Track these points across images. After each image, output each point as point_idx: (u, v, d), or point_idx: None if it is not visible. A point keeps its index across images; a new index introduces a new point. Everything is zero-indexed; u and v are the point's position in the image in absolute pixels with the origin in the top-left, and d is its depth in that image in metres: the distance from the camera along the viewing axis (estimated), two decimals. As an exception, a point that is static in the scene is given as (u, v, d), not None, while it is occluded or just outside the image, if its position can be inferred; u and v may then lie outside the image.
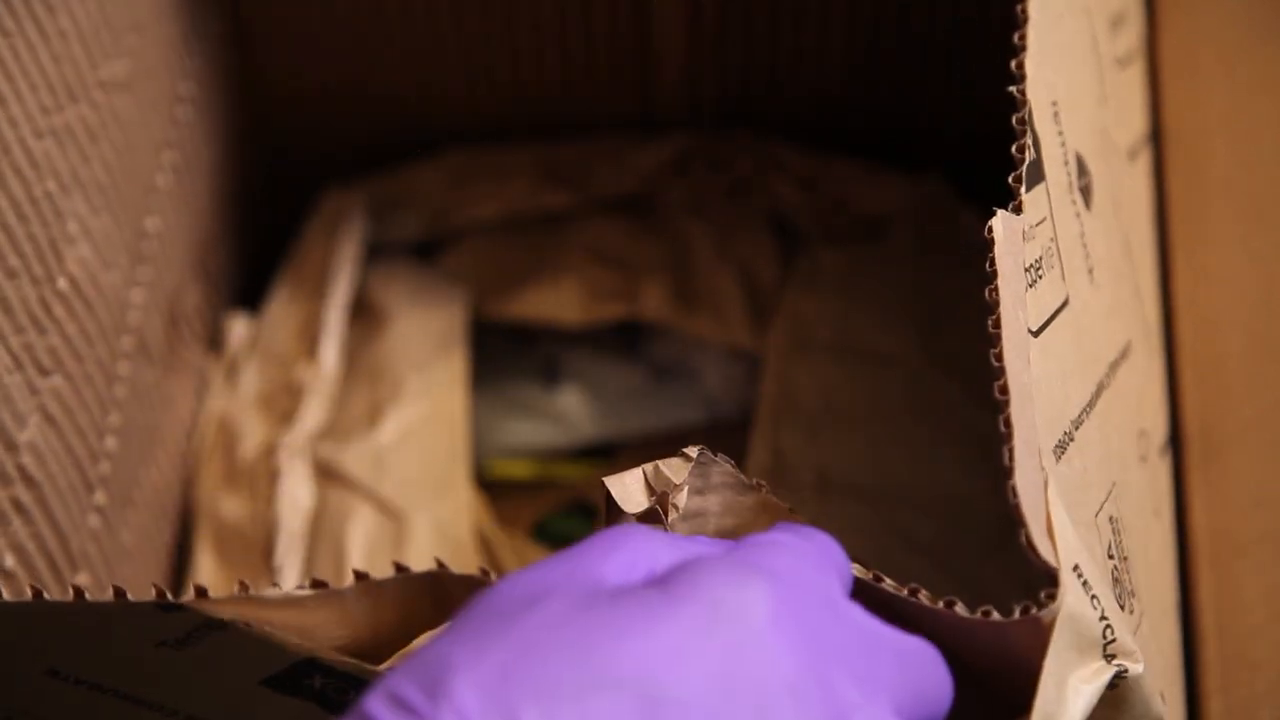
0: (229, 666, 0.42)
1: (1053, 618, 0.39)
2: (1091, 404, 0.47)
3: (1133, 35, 0.62)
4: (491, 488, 0.70)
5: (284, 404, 0.69)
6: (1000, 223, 0.43)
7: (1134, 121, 0.60)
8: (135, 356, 0.62)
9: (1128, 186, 0.56)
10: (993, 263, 0.43)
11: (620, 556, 0.39)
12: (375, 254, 0.74)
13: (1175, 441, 0.57)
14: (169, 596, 0.40)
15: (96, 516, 0.58)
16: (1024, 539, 0.40)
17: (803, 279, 0.69)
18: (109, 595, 0.40)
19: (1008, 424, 0.41)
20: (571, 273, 0.72)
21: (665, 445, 0.72)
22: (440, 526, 0.64)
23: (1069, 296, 0.46)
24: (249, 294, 0.75)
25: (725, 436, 0.69)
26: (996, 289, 0.42)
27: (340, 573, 0.64)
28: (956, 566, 0.60)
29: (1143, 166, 0.60)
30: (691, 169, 0.73)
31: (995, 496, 0.62)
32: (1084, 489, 0.43)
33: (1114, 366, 0.50)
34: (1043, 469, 0.41)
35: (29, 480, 0.53)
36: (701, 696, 0.35)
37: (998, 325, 0.42)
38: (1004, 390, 0.41)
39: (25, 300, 0.54)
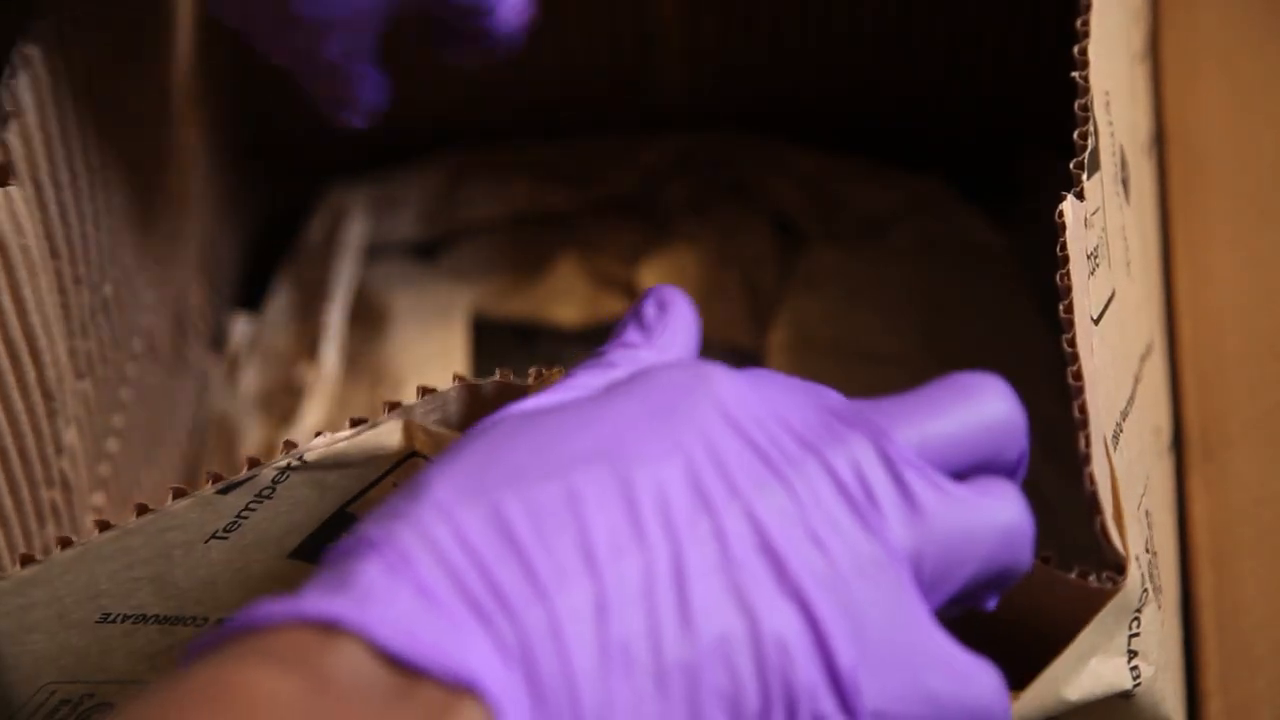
0: (267, 544, 0.43)
1: (1110, 595, 0.39)
2: (1132, 397, 0.47)
3: (1144, 31, 0.62)
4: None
5: (284, 404, 0.69)
6: (1070, 208, 0.43)
7: (1146, 119, 0.60)
8: (143, 358, 0.62)
9: (1143, 183, 0.57)
10: (1064, 247, 0.43)
11: (571, 382, 0.40)
12: (376, 254, 0.74)
13: (1177, 440, 0.57)
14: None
15: (94, 518, 0.58)
16: (1098, 527, 0.40)
17: (803, 279, 0.69)
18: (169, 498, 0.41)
19: (1082, 410, 0.41)
20: (572, 273, 0.72)
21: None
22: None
23: (1115, 288, 0.46)
24: (250, 294, 0.75)
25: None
26: (1068, 274, 0.42)
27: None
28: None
29: (1151, 165, 0.60)
30: (691, 169, 0.73)
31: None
32: (1130, 481, 0.43)
33: (1143, 361, 0.50)
34: (1109, 457, 0.41)
35: (65, 484, 0.54)
36: (668, 454, 0.36)
37: (1069, 311, 0.42)
38: (1078, 376, 0.41)
39: (81, 306, 0.54)
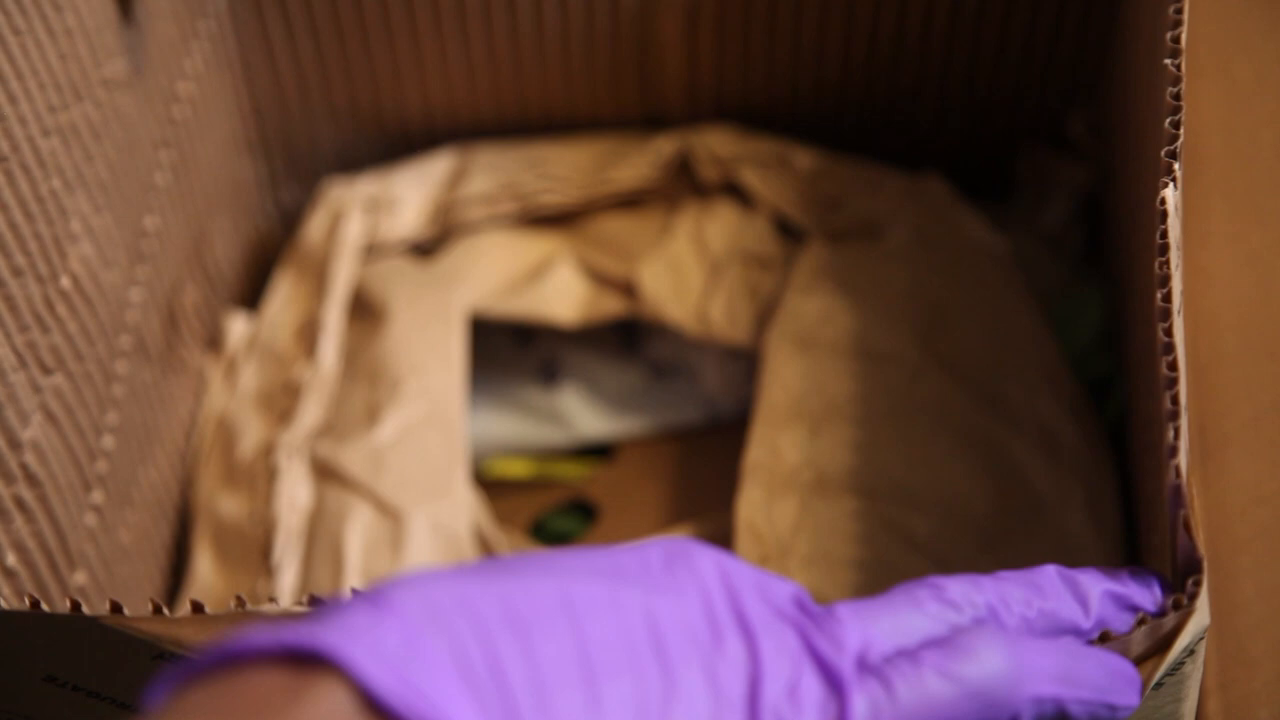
0: None
1: (1195, 600, 0.39)
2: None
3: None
4: (490, 487, 0.70)
5: (282, 403, 0.69)
6: (1171, 195, 0.43)
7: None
8: (133, 355, 0.62)
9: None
10: (1164, 235, 0.42)
11: None
12: (374, 252, 0.74)
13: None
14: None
15: (94, 515, 0.58)
16: (1181, 522, 0.40)
17: (802, 277, 0.69)
18: (106, 607, 0.41)
19: (1175, 402, 0.41)
20: (571, 272, 0.72)
21: (664, 443, 0.72)
22: (438, 526, 0.64)
23: (1184, 283, 0.46)
24: (248, 292, 0.75)
25: (724, 435, 0.69)
26: (1168, 262, 0.42)
27: (338, 572, 0.64)
28: (953, 565, 0.60)
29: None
30: (691, 167, 0.73)
31: (991, 495, 0.62)
32: (1188, 478, 0.43)
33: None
34: (1186, 454, 0.41)
35: (31, 479, 0.53)
36: (668, 590, 0.36)
37: (1168, 300, 0.41)
38: (1173, 367, 0.41)
39: (30, 298, 0.54)
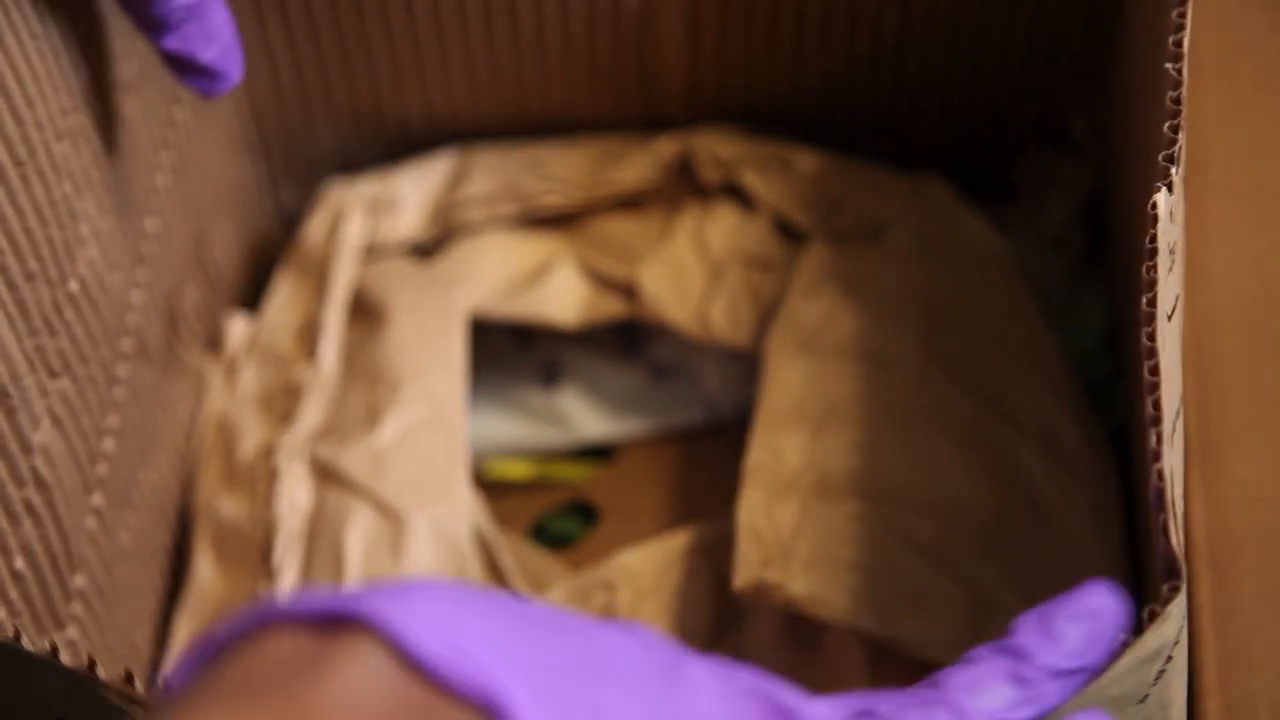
0: None
1: (1169, 601, 0.39)
2: (1184, 397, 0.46)
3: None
4: (490, 488, 0.70)
5: (283, 404, 0.69)
6: (1163, 200, 0.43)
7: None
8: (134, 358, 0.62)
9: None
10: (1153, 240, 0.42)
11: None
12: (375, 253, 0.74)
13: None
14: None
15: (94, 518, 0.58)
16: (1160, 525, 0.40)
17: (803, 279, 0.69)
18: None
19: (1156, 407, 0.41)
20: (572, 273, 0.72)
21: (665, 445, 0.72)
22: (438, 527, 0.64)
23: (1184, 287, 0.46)
24: (248, 294, 0.75)
25: (725, 437, 0.69)
26: (1155, 266, 0.42)
27: (338, 574, 0.64)
28: (955, 567, 0.60)
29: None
30: (692, 168, 0.73)
31: (993, 498, 0.62)
32: (1172, 482, 0.43)
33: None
34: (1169, 458, 0.41)
35: (40, 482, 0.54)
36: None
37: (1152, 305, 0.41)
38: (1155, 371, 0.41)
39: (40, 302, 0.54)
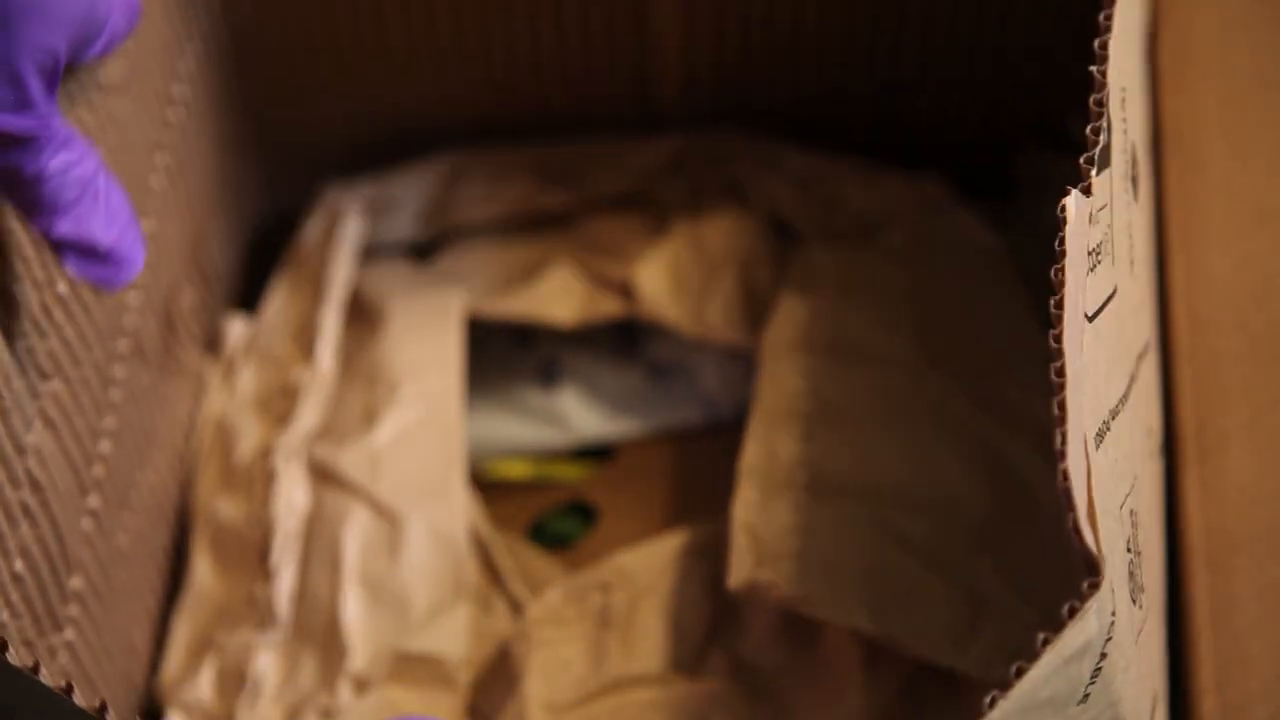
0: None
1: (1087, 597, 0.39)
2: (1125, 395, 0.47)
3: (1146, 26, 0.62)
4: (489, 488, 0.70)
5: (280, 405, 0.69)
6: (1073, 203, 0.43)
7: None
8: (130, 359, 0.62)
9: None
10: (1062, 242, 0.43)
11: None
12: (372, 254, 0.74)
13: (1171, 440, 0.57)
14: None
15: (90, 520, 0.58)
16: (1070, 524, 0.40)
17: (799, 278, 0.69)
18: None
19: (1061, 407, 0.41)
20: (569, 273, 0.72)
21: (663, 445, 0.72)
22: (436, 528, 0.64)
23: (1117, 285, 0.46)
24: (246, 295, 0.75)
25: (723, 436, 0.69)
26: (1063, 269, 0.42)
27: (335, 575, 0.64)
28: (950, 566, 0.60)
29: (1148, 164, 0.60)
30: (689, 168, 0.73)
31: (988, 496, 0.62)
32: (1114, 480, 0.43)
33: (1140, 360, 0.50)
34: (1087, 456, 0.41)
35: (34, 484, 0.54)
36: None
37: (1060, 306, 0.42)
38: (1060, 373, 0.41)
39: (27, 305, 0.54)
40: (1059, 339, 0.42)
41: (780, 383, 0.65)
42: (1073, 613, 0.40)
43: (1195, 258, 0.61)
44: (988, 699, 0.39)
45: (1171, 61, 0.65)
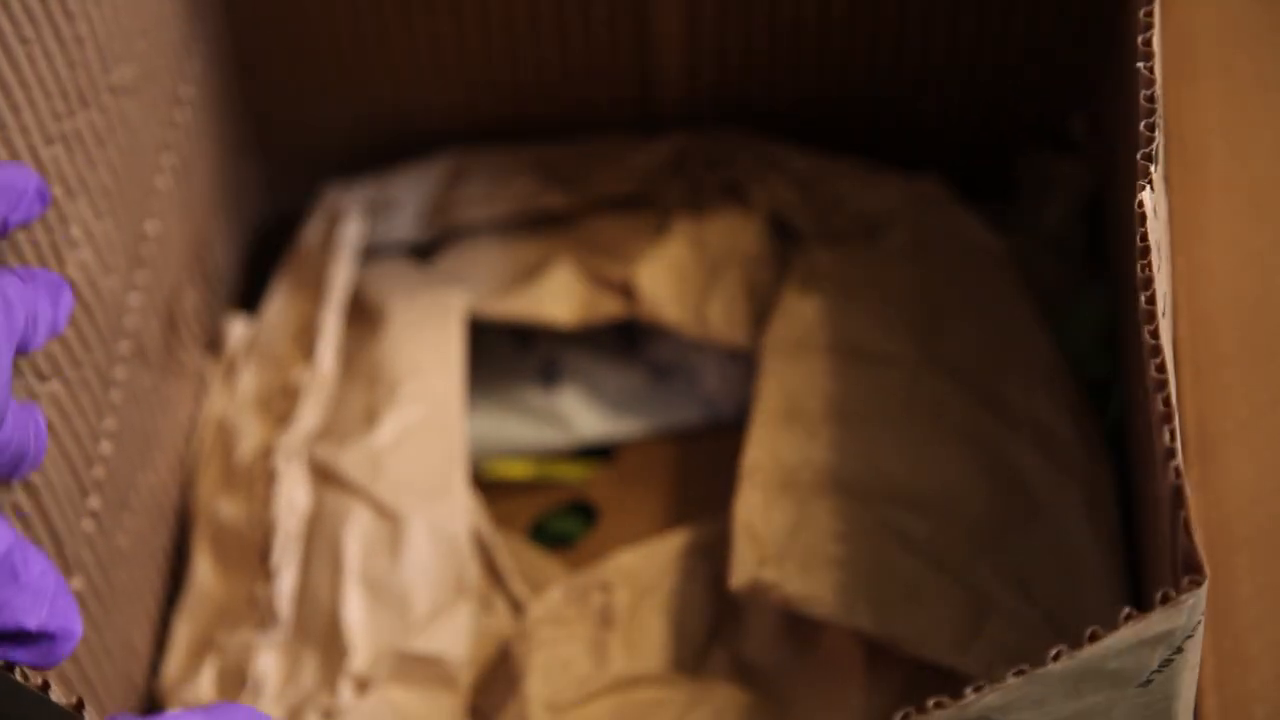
0: None
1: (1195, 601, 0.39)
2: (1180, 396, 0.47)
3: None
4: (490, 488, 0.70)
5: (281, 406, 0.69)
6: (1149, 198, 0.43)
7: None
8: (132, 360, 0.62)
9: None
10: (1144, 238, 0.42)
11: None
12: (373, 255, 0.74)
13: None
14: None
15: (90, 521, 0.58)
16: (1182, 522, 0.40)
17: (800, 278, 0.69)
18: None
19: (1167, 404, 0.41)
20: (570, 273, 0.72)
21: (664, 445, 0.72)
22: (436, 528, 0.64)
23: (1170, 285, 0.46)
24: (247, 295, 0.75)
25: (724, 436, 0.69)
26: (1150, 265, 0.42)
27: (336, 575, 0.64)
28: (951, 566, 0.60)
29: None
30: (689, 168, 0.73)
31: (989, 496, 0.62)
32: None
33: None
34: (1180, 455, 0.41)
35: (28, 485, 0.54)
36: None
37: (1152, 302, 0.42)
38: (1161, 369, 0.41)
39: None
40: (1155, 334, 0.41)
41: (781, 383, 0.65)
42: (1165, 599, 0.39)
43: (1196, 257, 0.61)
44: (1052, 653, 0.39)
45: (1172, 60, 0.65)
